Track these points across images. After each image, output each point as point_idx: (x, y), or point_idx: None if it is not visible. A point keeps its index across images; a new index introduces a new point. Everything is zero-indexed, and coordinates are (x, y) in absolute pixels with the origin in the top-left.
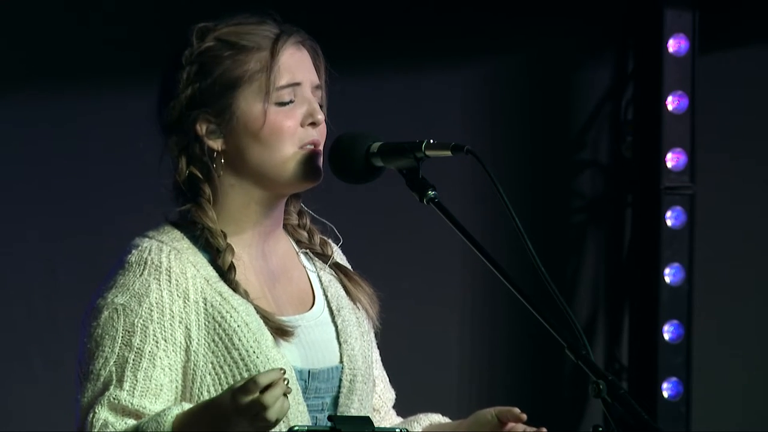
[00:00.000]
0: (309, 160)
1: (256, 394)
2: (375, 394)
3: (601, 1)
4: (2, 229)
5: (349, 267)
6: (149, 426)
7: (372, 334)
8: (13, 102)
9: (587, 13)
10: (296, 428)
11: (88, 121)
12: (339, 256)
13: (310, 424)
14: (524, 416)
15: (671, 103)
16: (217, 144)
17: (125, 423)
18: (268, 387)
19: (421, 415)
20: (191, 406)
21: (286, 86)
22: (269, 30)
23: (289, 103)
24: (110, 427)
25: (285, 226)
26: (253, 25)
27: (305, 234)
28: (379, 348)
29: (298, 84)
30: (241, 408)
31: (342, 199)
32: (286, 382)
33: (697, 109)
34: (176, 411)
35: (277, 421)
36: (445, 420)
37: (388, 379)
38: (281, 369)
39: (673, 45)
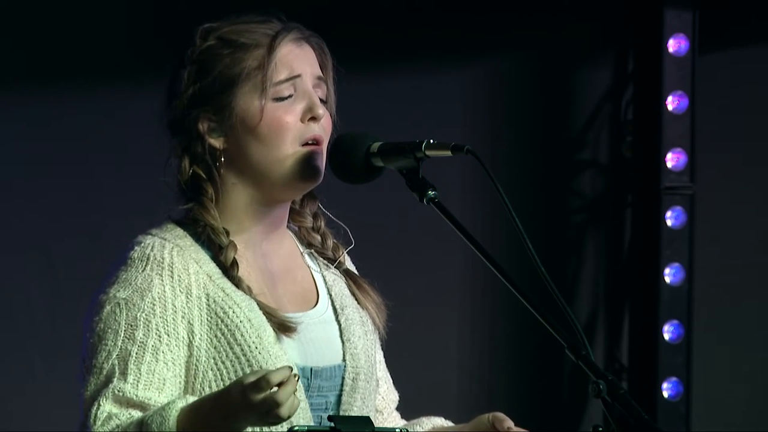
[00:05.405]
0: (308, 159)
1: (268, 392)
2: (378, 395)
3: (601, 1)
4: (2, 228)
5: (357, 273)
6: (154, 419)
7: (376, 335)
8: (13, 102)
9: (587, 13)
10: (296, 428)
11: (88, 121)
12: (348, 263)
13: (313, 423)
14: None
15: (671, 103)
16: (218, 142)
17: (129, 414)
18: (278, 384)
19: (424, 419)
20: (195, 399)
21: (284, 80)
22: (270, 28)
23: (288, 97)
24: (114, 419)
25: (299, 229)
26: (255, 24)
27: (318, 237)
28: (381, 349)
29: (297, 76)
30: (253, 405)
31: (341, 199)
32: (296, 378)
33: (697, 109)
34: (181, 404)
35: (288, 418)
36: (448, 423)
37: (391, 381)
38: (290, 367)
39: (673, 45)
